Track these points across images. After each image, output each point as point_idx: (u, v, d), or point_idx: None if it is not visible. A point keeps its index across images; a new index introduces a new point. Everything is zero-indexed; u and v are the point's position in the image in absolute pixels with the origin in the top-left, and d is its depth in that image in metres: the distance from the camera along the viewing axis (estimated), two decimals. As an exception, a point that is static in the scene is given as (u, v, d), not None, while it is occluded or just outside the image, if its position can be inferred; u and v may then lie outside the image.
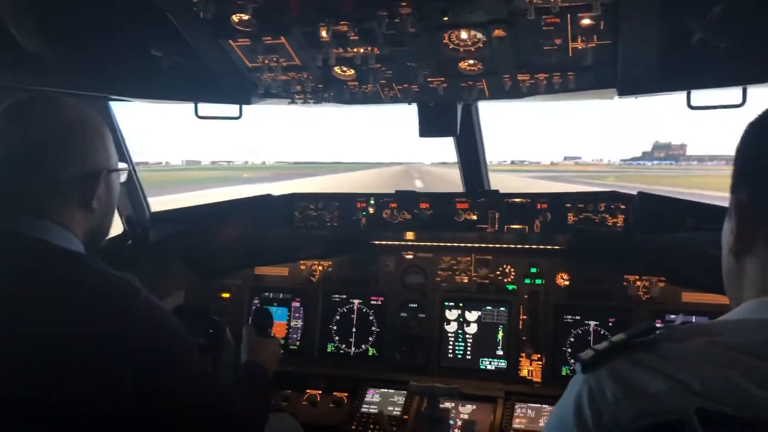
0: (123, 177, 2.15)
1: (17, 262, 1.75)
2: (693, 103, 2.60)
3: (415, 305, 3.85)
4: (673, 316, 3.41)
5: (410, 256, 3.93)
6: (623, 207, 3.26)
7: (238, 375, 2.54)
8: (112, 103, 3.51)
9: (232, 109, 3.20)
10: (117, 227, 3.65)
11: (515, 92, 2.76)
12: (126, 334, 1.70)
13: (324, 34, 2.40)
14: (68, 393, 1.62)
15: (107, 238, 2.14)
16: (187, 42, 2.66)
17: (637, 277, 3.53)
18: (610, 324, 3.54)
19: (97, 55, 2.79)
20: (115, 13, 2.67)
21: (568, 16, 2.20)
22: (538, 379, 3.56)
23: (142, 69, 2.89)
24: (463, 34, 2.39)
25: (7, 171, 1.82)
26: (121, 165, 2.10)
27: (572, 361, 3.53)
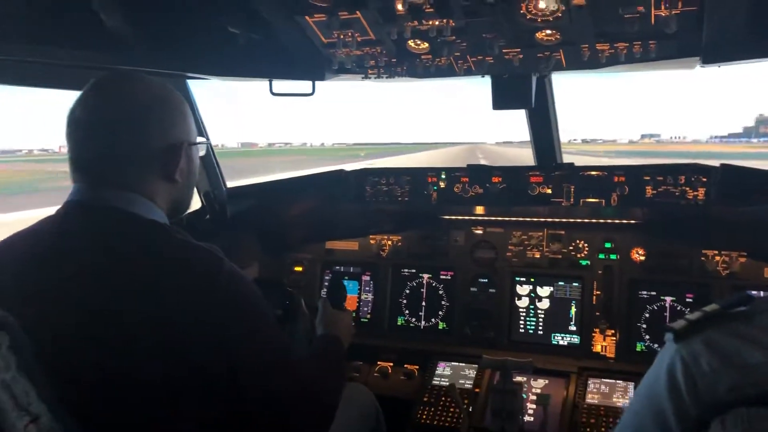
0: (202, 151, 2.21)
1: (104, 233, 1.81)
2: (783, 70, 2.49)
3: (486, 280, 3.85)
4: (754, 293, 3.29)
5: (480, 231, 3.91)
6: (704, 179, 3.16)
7: (314, 346, 2.57)
8: (190, 82, 3.60)
9: (305, 85, 3.24)
10: (195, 203, 3.77)
11: (594, 62, 2.69)
12: (211, 302, 1.75)
13: (400, 7, 2.41)
14: (152, 359, 1.68)
15: (187, 212, 2.21)
16: (264, 19, 2.71)
17: (716, 251, 3.43)
18: (688, 300, 3.46)
19: (175, 33, 2.86)
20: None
21: (652, -18, 2.14)
22: (612, 355, 3.51)
23: (218, 47, 2.94)
24: (542, 3, 2.35)
25: (94, 145, 1.89)
26: (200, 139, 2.16)
27: (647, 337, 3.48)
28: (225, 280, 1.80)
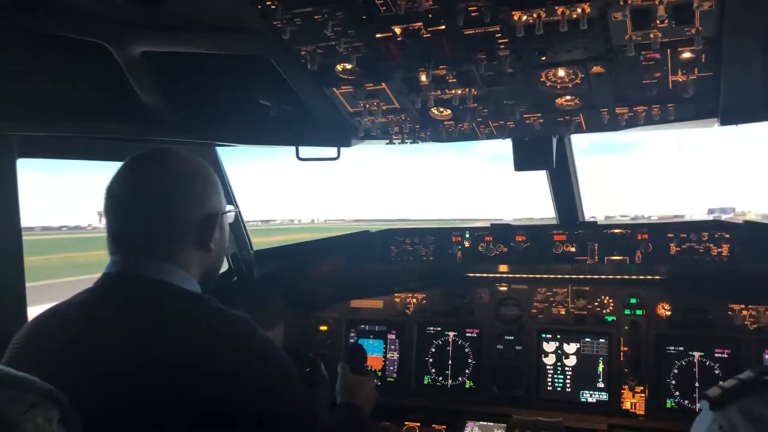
0: (231, 218, 2.29)
1: (142, 304, 1.88)
2: (799, 129, 2.55)
3: (512, 337, 3.85)
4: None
5: (504, 288, 3.93)
6: (727, 236, 3.19)
7: (336, 416, 2.57)
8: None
9: (330, 151, 3.34)
10: (223, 265, 3.83)
11: (613, 125, 2.77)
12: (244, 371, 1.80)
13: (423, 78, 2.50)
14: (190, 426, 1.73)
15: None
16: (292, 90, 2.82)
17: (743, 305, 3.42)
18: (716, 355, 3.44)
19: (208, 106, 3.00)
20: (226, 68, 2.87)
21: (668, 50, 2.22)
22: (642, 412, 3.48)
23: (249, 117, 3.06)
24: (561, 72, 2.43)
25: (134, 216, 1.96)
26: (230, 207, 2.24)
27: (677, 393, 3.45)
28: (258, 348, 1.87)
